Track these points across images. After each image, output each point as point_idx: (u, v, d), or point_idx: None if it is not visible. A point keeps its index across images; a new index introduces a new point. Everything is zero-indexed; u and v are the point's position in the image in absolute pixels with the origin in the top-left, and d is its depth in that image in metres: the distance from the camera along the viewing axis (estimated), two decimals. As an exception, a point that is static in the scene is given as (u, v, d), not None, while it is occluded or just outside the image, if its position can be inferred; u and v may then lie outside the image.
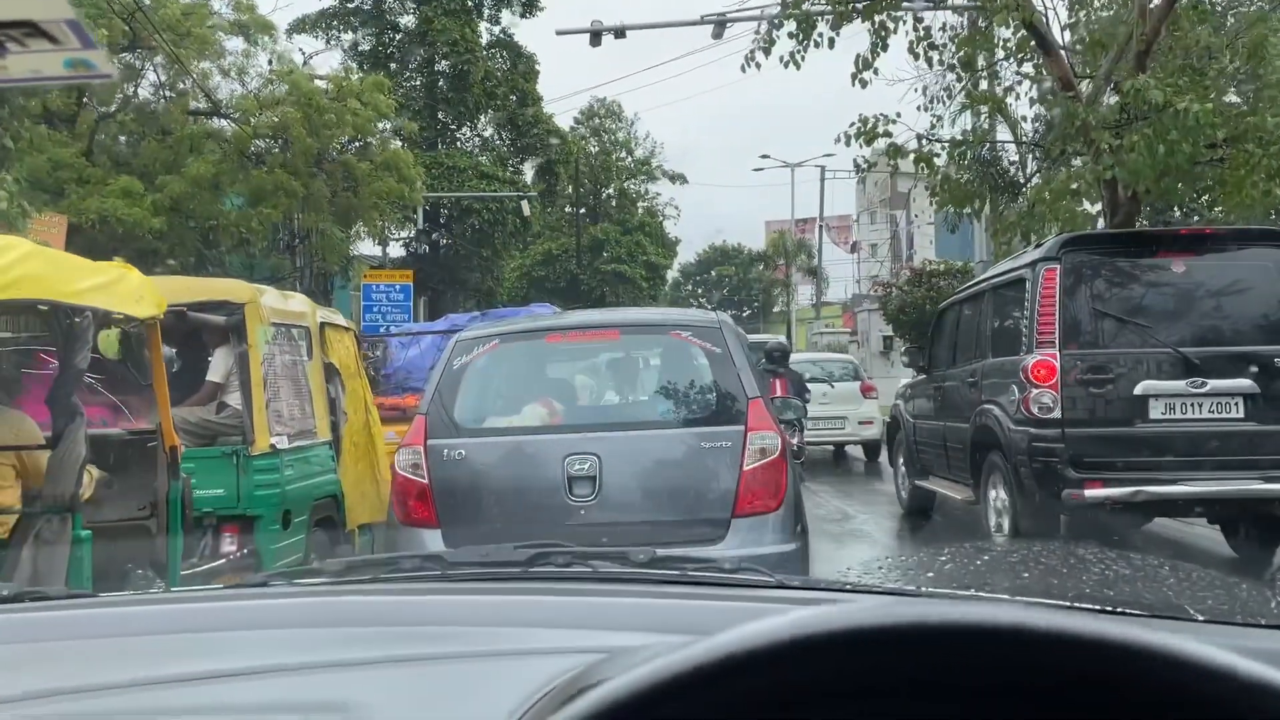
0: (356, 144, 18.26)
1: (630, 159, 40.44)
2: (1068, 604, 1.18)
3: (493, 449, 4.42)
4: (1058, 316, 6.24)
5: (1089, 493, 6.02)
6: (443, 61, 27.87)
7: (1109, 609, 1.18)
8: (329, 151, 17.35)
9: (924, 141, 9.83)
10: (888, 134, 9.10)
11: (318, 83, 17.43)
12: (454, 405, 4.49)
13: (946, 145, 10.07)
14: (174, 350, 5.89)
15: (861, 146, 9.21)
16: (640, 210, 39.35)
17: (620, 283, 35.25)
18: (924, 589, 1.44)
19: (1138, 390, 6.11)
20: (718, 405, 4.43)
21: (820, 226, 38.47)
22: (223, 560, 4.93)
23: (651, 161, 40.70)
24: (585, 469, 4.15)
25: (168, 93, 16.58)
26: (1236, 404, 6.11)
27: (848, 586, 1.45)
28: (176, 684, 1.05)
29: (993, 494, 6.83)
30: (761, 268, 51.90)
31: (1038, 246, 7.00)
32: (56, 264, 3.77)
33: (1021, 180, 11.06)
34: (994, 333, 7.21)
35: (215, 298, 5.30)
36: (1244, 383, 6.08)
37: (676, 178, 41.02)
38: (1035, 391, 6.21)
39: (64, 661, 1.15)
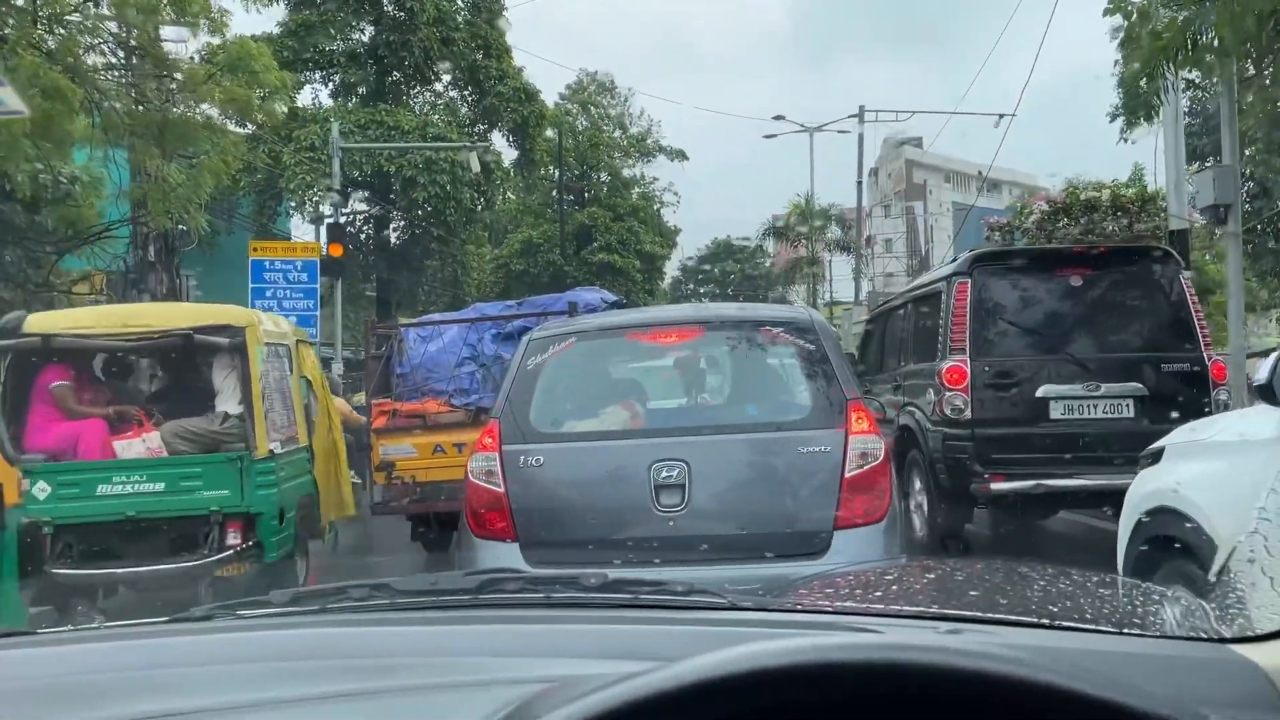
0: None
1: (624, 136, 39.84)
2: (1013, 620, 1.36)
3: (573, 455, 4.58)
4: (969, 326, 7.85)
5: (994, 485, 7.62)
6: (389, 4, 26.14)
7: (1054, 624, 1.35)
8: (145, 42, 13.49)
9: None
10: None
11: None
12: (529, 408, 4.65)
13: None
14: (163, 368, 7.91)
15: None
16: (635, 195, 38.64)
17: (611, 275, 34.16)
18: (872, 608, 1.60)
19: (1040, 393, 7.72)
20: (814, 407, 4.61)
21: (859, 183, 34.85)
22: (229, 552, 6.64)
23: (647, 139, 40.08)
24: (674, 476, 4.28)
25: None
26: (1128, 405, 7.71)
27: (799, 608, 1.63)
28: None
29: (913, 488, 8.42)
30: (770, 261, 51.87)
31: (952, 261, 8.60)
32: None
33: None
34: (915, 340, 8.86)
35: (218, 321, 7.08)
36: (1134, 385, 7.69)
37: (676, 155, 40.22)
38: (948, 394, 7.80)
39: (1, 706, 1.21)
